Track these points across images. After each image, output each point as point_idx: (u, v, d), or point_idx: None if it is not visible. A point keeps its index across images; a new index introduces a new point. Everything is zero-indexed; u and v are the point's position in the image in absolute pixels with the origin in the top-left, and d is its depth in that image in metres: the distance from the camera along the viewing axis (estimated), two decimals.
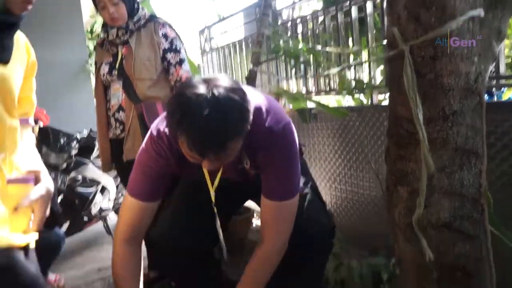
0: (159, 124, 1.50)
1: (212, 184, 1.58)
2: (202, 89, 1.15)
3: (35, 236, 1.09)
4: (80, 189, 3.37)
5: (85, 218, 3.58)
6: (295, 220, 1.49)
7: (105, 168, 2.53)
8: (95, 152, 3.64)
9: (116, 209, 4.24)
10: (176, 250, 1.60)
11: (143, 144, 1.55)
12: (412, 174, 1.08)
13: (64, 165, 3.31)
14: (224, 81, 1.19)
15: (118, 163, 2.36)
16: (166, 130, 1.44)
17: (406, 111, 1.05)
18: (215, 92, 1.14)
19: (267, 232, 1.50)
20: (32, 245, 1.08)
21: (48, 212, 1.15)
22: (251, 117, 1.24)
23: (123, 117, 2.19)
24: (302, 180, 1.57)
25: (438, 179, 1.03)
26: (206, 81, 1.18)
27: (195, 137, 1.14)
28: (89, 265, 3.10)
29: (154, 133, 1.50)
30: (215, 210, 1.61)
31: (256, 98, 1.43)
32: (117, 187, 3.98)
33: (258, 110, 1.38)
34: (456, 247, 1.05)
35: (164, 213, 1.68)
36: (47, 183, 1.15)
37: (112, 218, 4.29)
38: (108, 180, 3.78)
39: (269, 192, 1.47)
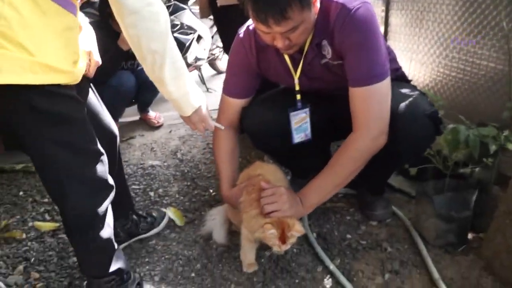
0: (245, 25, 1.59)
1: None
2: None
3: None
4: (178, 35, 3.43)
5: None
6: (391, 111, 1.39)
7: (203, 14, 2.52)
8: None
9: (210, 60, 4.36)
10: (264, 133, 1.67)
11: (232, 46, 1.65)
12: None
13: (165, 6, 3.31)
14: None
15: (214, 8, 2.33)
16: (250, 26, 1.55)
17: None
18: None
19: (358, 121, 1.41)
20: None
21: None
22: None
23: None
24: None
25: None
26: None
27: (258, 2, 1.23)
28: None
29: (240, 32, 1.60)
30: (298, 97, 1.60)
31: None
32: (212, 37, 4.00)
33: None
34: None
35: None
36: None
37: (206, 68, 4.46)
38: (204, 29, 3.78)
39: (354, 78, 1.39)
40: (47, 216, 2.03)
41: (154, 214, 1.86)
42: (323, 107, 1.68)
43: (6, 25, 0.92)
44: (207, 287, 1.50)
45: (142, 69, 2.68)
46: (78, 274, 1.60)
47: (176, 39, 3.60)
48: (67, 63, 1.07)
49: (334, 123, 1.72)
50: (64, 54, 1.06)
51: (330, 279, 1.50)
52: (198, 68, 3.99)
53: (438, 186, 1.62)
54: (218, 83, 4.34)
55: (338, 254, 1.61)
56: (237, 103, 1.68)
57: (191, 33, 3.56)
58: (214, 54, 4.20)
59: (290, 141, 1.66)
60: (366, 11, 1.34)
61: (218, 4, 2.19)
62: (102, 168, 1.24)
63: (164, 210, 1.94)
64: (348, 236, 1.71)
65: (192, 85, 1.36)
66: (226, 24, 2.34)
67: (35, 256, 1.74)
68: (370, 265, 1.55)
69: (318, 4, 1.35)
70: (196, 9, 3.64)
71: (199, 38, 3.74)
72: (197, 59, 3.79)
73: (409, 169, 1.74)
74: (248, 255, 1.55)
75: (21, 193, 2.28)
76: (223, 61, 4.63)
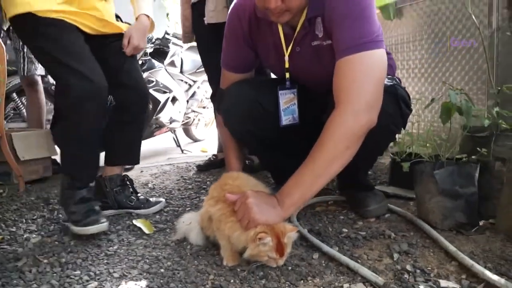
0: None
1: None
2: None
3: None
4: (153, 92, 3.41)
5: (155, 125, 3.64)
6: None
7: (186, 39, 2.53)
8: (168, 59, 3.67)
9: (185, 125, 4.31)
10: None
11: (227, 15, 1.58)
12: None
13: (140, 62, 3.35)
14: None
15: (198, 29, 2.35)
16: None
17: None
18: None
19: (339, 95, 1.23)
20: None
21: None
22: None
23: None
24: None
25: None
26: None
27: None
28: None
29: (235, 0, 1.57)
30: (287, 75, 1.53)
31: None
32: (187, 101, 4.01)
33: None
34: None
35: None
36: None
37: (179, 133, 4.36)
38: (180, 91, 3.81)
39: (339, 50, 1.26)
40: None
41: (149, 199, 1.92)
42: (309, 102, 1.60)
43: None
44: (180, 280, 1.21)
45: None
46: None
47: (151, 95, 3.60)
48: None
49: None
50: None
51: (330, 264, 1.24)
52: (173, 130, 3.91)
53: (437, 165, 1.48)
54: (194, 147, 4.26)
55: (336, 244, 1.37)
56: (234, 78, 1.59)
57: (166, 92, 3.56)
58: (189, 118, 4.17)
59: (278, 123, 1.54)
60: None
61: (206, 22, 2.20)
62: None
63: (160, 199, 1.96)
64: (345, 230, 1.48)
65: None
66: (211, 46, 2.26)
67: None
68: (375, 250, 1.31)
69: None
70: (172, 70, 3.72)
71: (174, 99, 3.74)
72: (172, 120, 3.73)
73: (402, 164, 1.62)
74: (229, 250, 1.29)
75: None
76: (199, 129, 4.60)
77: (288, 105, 1.56)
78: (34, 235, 1.60)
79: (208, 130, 4.81)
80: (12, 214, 1.85)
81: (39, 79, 2.76)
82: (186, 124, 4.27)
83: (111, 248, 1.47)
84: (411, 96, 1.57)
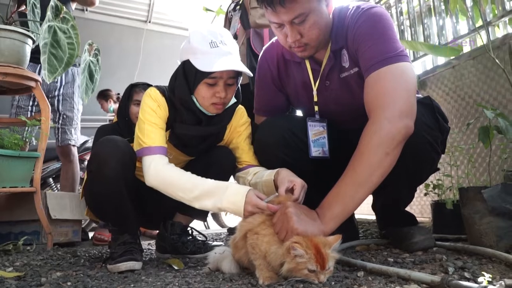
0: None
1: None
2: None
3: None
4: None
5: None
6: None
7: None
8: None
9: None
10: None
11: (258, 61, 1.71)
12: None
13: None
14: None
15: None
16: (274, 40, 1.64)
17: None
18: None
19: (371, 106, 1.25)
20: None
21: None
22: None
23: None
24: None
25: None
26: None
27: None
28: None
29: (265, 46, 1.69)
30: (316, 108, 1.58)
31: None
32: None
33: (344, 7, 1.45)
34: None
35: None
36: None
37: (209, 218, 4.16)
38: None
39: (369, 64, 1.31)
40: None
41: (208, 242, 1.89)
42: (341, 140, 1.61)
43: None
44: None
45: None
46: None
47: None
48: None
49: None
50: None
51: (378, 277, 1.12)
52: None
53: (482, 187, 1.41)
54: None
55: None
56: None
57: None
58: None
59: (308, 154, 1.53)
60: (381, 9, 1.39)
61: None
62: None
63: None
64: (390, 259, 1.35)
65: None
66: None
67: None
68: (427, 269, 1.18)
69: (332, 4, 1.41)
70: None
71: None
72: None
73: (445, 202, 1.56)
74: (265, 269, 1.19)
75: None
76: (228, 215, 4.51)
77: (317, 137, 1.57)
78: (58, 273, 1.53)
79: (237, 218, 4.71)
80: (38, 261, 1.79)
81: (74, 149, 2.88)
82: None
83: (138, 276, 1.38)
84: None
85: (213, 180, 1.39)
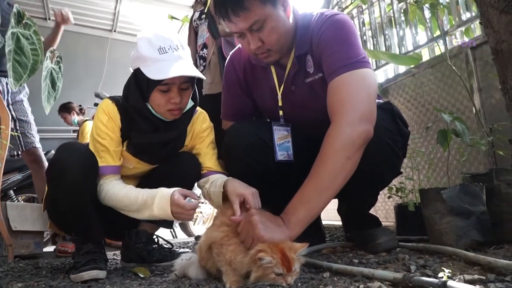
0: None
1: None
2: None
3: None
4: None
5: None
6: None
7: None
8: None
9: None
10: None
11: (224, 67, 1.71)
12: None
13: None
14: None
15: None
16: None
17: None
18: None
19: (333, 110, 1.28)
20: None
21: None
22: None
23: (205, 53, 2.38)
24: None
25: None
26: None
27: None
28: None
29: (232, 51, 1.70)
30: (281, 113, 1.59)
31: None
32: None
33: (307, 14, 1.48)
34: None
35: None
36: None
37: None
38: None
39: (332, 69, 1.34)
40: None
41: (174, 250, 1.85)
42: (306, 145, 1.64)
43: None
44: None
45: None
46: None
47: None
48: None
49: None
50: None
51: (343, 277, 1.14)
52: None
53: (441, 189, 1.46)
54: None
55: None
56: None
57: None
58: None
59: (273, 158, 1.54)
60: (344, 16, 1.43)
61: (204, 93, 2.32)
62: None
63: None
64: (355, 260, 1.38)
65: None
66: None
67: None
68: (390, 268, 1.21)
69: (290, 9, 1.43)
70: None
71: None
72: None
73: (408, 204, 1.61)
74: (231, 274, 1.19)
75: None
76: (197, 225, 4.47)
77: (282, 141, 1.58)
78: (20, 284, 1.46)
79: (206, 227, 4.68)
80: None
81: (40, 151, 2.76)
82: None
83: (102, 286, 1.34)
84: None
85: (146, 190, 1.43)
